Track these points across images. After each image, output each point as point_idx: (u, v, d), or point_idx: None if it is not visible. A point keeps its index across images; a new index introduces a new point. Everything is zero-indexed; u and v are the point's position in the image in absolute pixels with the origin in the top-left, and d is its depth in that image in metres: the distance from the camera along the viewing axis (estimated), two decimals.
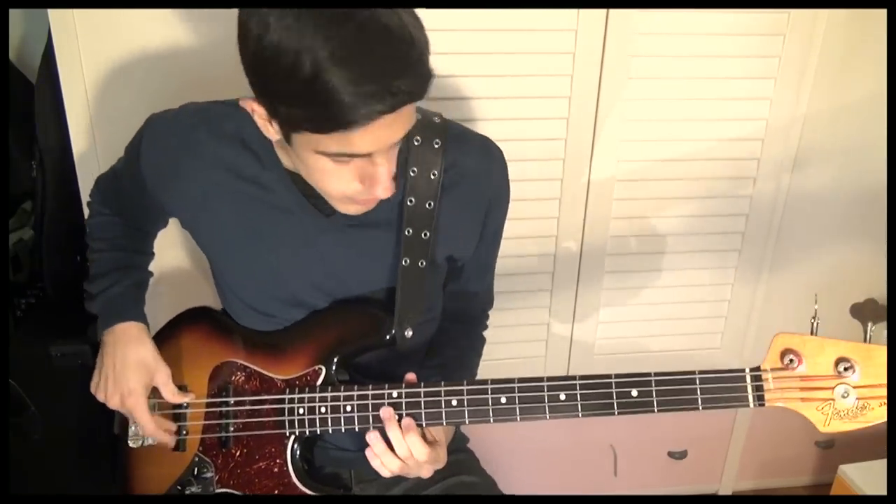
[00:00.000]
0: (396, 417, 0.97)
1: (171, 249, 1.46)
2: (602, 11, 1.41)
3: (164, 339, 1.14)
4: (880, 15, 1.49)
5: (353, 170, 0.88)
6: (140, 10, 1.28)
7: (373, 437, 0.97)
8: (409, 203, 1.01)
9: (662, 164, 1.57)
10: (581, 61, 1.44)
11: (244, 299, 1.09)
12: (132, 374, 1.05)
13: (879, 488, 1.61)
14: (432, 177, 1.01)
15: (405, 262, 1.02)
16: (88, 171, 1.39)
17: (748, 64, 1.50)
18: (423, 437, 0.97)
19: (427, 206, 1.02)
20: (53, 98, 1.37)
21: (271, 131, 0.88)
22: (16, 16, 1.63)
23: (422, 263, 1.02)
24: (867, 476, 1.65)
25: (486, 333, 1.26)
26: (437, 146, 1.01)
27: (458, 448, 1.24)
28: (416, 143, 1.01)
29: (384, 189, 0.89)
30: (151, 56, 1.33)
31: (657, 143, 1.55)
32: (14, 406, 1.52)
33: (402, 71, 0.78)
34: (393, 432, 0.96)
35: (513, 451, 1.84)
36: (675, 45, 1.47)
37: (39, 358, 1.53)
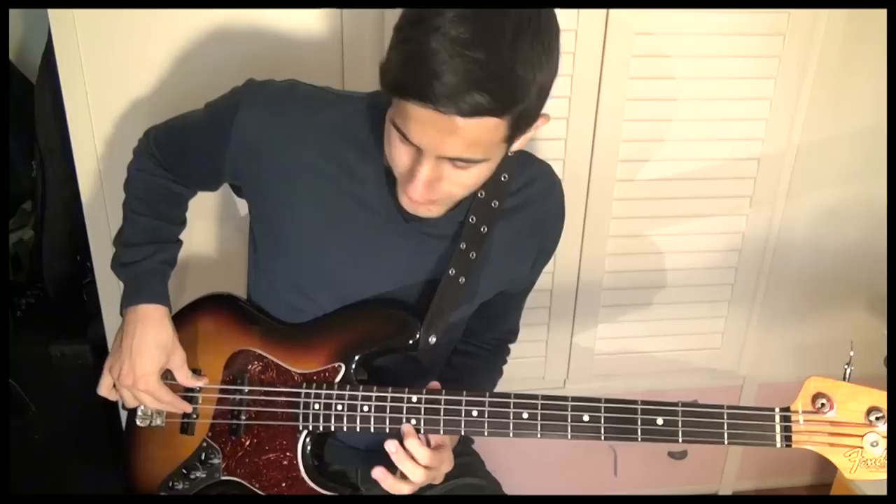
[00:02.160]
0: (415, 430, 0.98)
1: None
2: (602, 11, 1.41)
3: (184, 320, 1.13)
4: (880, 15, 1.49)
5: (407, 153, 0.89)
6: (140, 10, 1.28)
7: (379, 472, 0.98)
8: (469, 221, 1.04)
9: (662, 163, 1.57)
10: (581, 61, 1.44)
11: (289, 278, 1.08)
12: (148, 356, 1.04)
13: (879, 488, 1.61)
14: (493, 205, 1.05)
15: (451, 272, 1.04)
16: (88, 171, 1.39)
17: (748, 64, 1.50)
18: (427, 443, 0.98)
19: (482, 229, 1.05)
20: (53, 98, 1.37)
21: None
22: (16, 16, 1.63)
23: (462, 280, 1.05)
24: None
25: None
26: (504, 180, 1.05)
27: (464, 451, 1.24)
28: None
29: (413, 190, 0.89)
30: (151, 56, 1.33)
31: (657, 143, 1.55)
32: (14, 406, 1.52)
33: (480, 88, 0.78)
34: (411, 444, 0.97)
35: (513, 450, 1.84)
36: (675, 45, 1.46)
37: (39, 358, 1.53)
